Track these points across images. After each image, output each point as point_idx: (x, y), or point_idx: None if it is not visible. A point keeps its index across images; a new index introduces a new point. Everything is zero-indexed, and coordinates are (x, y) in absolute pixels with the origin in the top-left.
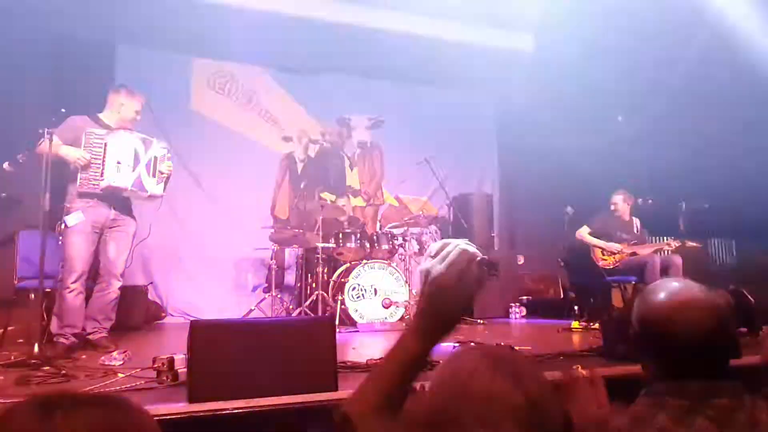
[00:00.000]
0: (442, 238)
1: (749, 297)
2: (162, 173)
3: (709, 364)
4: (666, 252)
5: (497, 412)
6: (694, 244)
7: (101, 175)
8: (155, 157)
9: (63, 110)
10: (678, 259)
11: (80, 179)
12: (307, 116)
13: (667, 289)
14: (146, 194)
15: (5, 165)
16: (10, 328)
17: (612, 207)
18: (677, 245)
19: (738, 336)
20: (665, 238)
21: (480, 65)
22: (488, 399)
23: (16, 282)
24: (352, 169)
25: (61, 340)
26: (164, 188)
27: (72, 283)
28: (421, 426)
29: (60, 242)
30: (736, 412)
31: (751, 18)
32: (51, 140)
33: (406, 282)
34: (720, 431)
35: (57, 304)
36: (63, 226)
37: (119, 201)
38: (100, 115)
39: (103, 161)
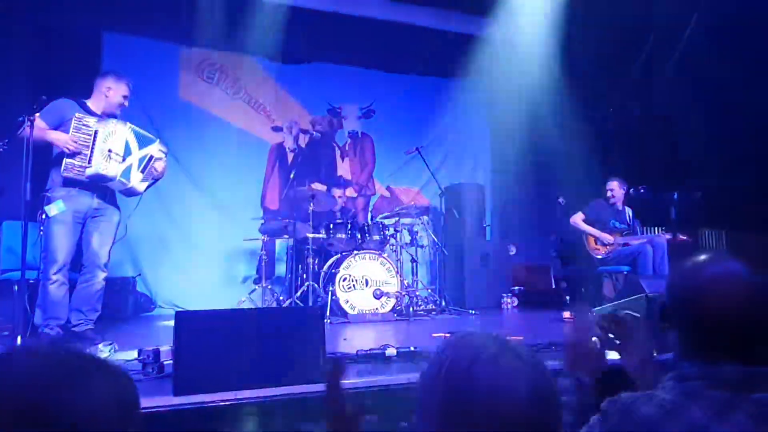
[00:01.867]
0: (434, 229)
1: None
2: (155, 170)
3: (747, 345)
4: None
5: (504, 400)
6: (684, 238)
7: (89, 162)
8: (152, 156)
9: (44, 97)
10: (662, 239)
11: (65, 164)
12: (297, 106)
13: (705, 259)
14: (128, 185)
15: None
16: None
17: (609, 193)
18: (668, 237)
19: None
20: (657, 228)
21: (471, 54)
22: (495, 386)
23: None
24: (343, 160)
25: (46, 330)
26: (147, 187)
27: (54, 274)
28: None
29: (41, 232)
30: None
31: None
32: (32, 127)
33: (397, 272)
34: (761, 428)
35: (40, 295)
36: (44, 215)
37: (102, 190)
38: (88, 101)
39: (92, 148)
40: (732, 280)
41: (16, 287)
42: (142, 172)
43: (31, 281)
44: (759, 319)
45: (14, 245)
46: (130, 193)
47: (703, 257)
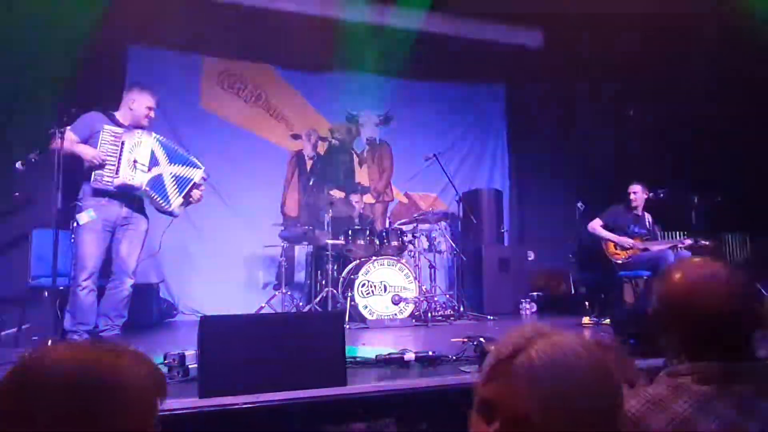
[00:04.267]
0: (452, 235)
1: (763, 291)
2: (191, 198)
3: (731, 341)
4: (676, 249)
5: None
6: (707, 243)
7: (116, 173)
8: (194, 182)
9: (74, 110)
10: (688, 254)
11: (95, 176)
12: (316, 114)
13: (688, 263)
14: (170, 208)
15: (18, 164)
16: (24, 326)
17: (631, 196)
18: (690, 243)
19: (761, 313)
20: (677, 233)
21: (490, 61)
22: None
23: (29, 280)
24: (361, 166)
25: (75, 336)
26: (183, 209)
27: (84, 280)
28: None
29: (72, 240)
30: (759, 399)
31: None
32: (63, 139)
33: (416, 278)
34: (743, 420)
35: (70, 301)
36: (75, 224)
37: (131, 199)
38: (116, 114)
39: (119, 159)
40: (715, 278)
41: (46, 293)
42: (183, 197)
43: (61, 288)
44: (741, 312)
45: (44, 253)
46: (167, 212)
47: (686, 261)
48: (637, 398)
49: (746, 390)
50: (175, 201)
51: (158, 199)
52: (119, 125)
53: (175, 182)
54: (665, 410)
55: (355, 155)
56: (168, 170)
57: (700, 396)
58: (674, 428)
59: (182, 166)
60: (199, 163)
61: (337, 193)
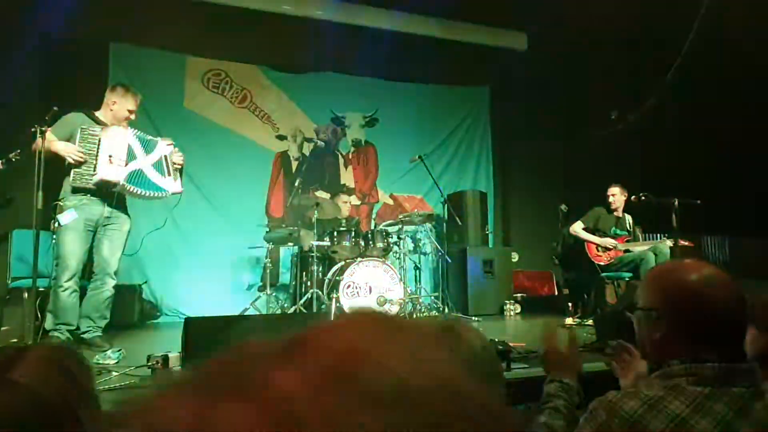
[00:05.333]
0: (437, 236)
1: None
2: (176, 164)
3: (728, 342)
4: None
5: None
6: (687, 244)
7: (94, 169)
8: (165, 156)
9: (55, 108)
10: (666, 248)
11: (74, 174)
12: (301, 115)
13: (688, 264)
14: (168, 194)
15: None
16: (3, 328)
17: (610, 199)
18: (670, 244)
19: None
20: (658, 235)
21: (475, 62)
22: None
23: (9, 282)
24: (346, 168)
25: (56, 335)
26: (181, 181)
27: (66, 281)
28: None
29: (53, 240)
30: (754, 399)
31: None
32: (44, 137)
33: (401, 280)
34: (738, 420)
35: (51, 301)
36: (56, 224)
37: (114, 198)
38: (97, 113)
39: (97, 156)
40: (721, 280)
41: (26, 295)
42: (170, 175)
43: (42, 289)
44: (740, 315)
45: (25, 254)
46: (174, 194)
47: (687, 262)
48: (634, 399)
49: (741, 391)
50: (167, 183)
51: (151, 193)
52: (99, 123)
53: (155, 170)
54: (662, 411)
55: (340, 156)
56: (146, 162)
57: (696, 396)
58: (672, 429)
59: (154, 151)
60: (154, 138)
61: (322, 195)
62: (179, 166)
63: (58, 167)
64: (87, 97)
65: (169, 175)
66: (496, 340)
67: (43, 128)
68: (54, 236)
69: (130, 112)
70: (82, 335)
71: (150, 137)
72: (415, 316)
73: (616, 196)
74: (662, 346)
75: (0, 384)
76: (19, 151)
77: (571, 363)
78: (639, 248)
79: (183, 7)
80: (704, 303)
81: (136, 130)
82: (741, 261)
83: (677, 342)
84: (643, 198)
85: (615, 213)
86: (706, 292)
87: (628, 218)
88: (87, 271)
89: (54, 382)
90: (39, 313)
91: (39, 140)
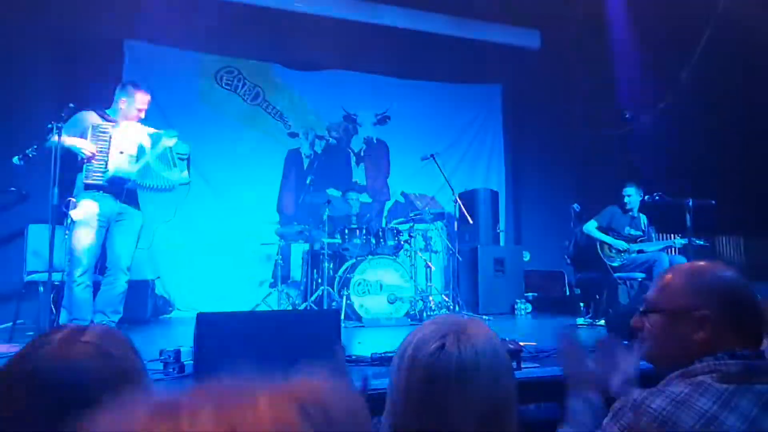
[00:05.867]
0: (448, 234)
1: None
2: (182, 160)
3: (756, 341)
4: (671, 251)
5: None
6: (701, 243)
7: (106, 166)
8: (170, 148)
9: (71, 105)
10: (683, 260)
11: (86, 171)
12: (313, 112)
13: (719, 265)
14: (174, 186)
15: (15, 159)
16: (19, 322)
17: (626, 198)
18: (684, 244)
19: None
20: (672, 235)
21: (487, 61)
22: None
23: (25, 275)
24: (358, 165)
25: None
26: (189, 172)
27: (79, 276)
28: None
29: (67, 236)
30: None
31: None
32: (60, 134)
33: (411, 278)
34: (764, 415)
35: (65, 297)
36: (69, 219)
37: (126, 193)
38: (108, 111)
39: (109, 153)
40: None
41: (41, 288)
42: (175, 166)
43: (57, 283)
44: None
45: (40, 248)
46: (182, 186)
47: (710, 263)
48: (661, 398)
49: (764, 388)
50: (173, 175)
51: (158, 185)
52: (109, 121)
53: (161, 162)
54: (691, 408)
55: (352, 154)
56: (152, 156)
57: (721, 394)
58: (701, 427)
59: (158, 144)
60: (158, 131)
61: (333, 192)
62: (185, 157)
63: (72, 163)
64: (102, 94)
65: (175, 166)
66: (507, 339)
67: (60, 125)
68: (67, 232)
69: (140, 110)
70: None
71: (155, 130)
72: (425, 314)
73: (632, 196)
74: (704, 346)
75: (78, 342)
76: (35, 147)
77: (595, 381)
78: (652, 249)
79: (196, 5)
80: (746, 301)
81: (147, 127)
82: (756, 262)
83: (722, 339)
84: (657, 198)
85: (630, 213)
86: (745, 291)
87: (643, 218)
88: (100, 267)
89: (116, 347)
90: (54, 307)
91: (55, 136)
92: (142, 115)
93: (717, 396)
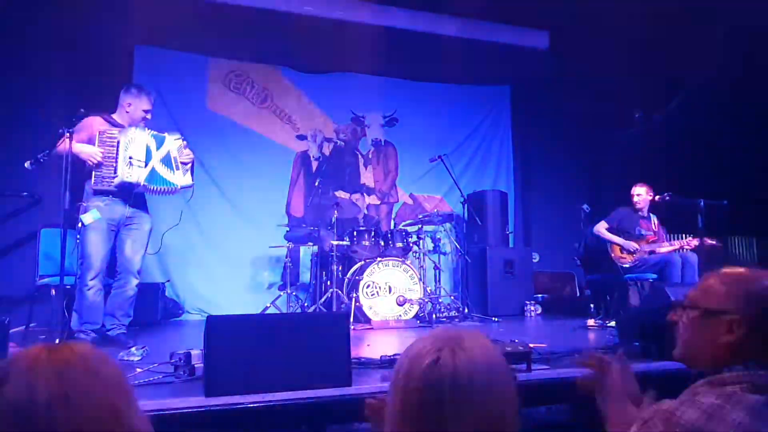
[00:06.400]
0: (457, 236)
1: None
2: (185, 164)
3: None
4: (682, 250)
5: None
6: (713, 242)
7: (114, 172)
8: (169, 152)
9: (82, 110)
10: (694, 257)
11: (95, 177)
12: (321, 114)
13: (764, 272)
14: (178, 188)
15: (27, 164)
16: (31, 325)
17: (635, 198)
18: (696, 243)
19: None
20: (684, 235)
21: (496, 62)
22: None
23: (37, 279)
24: (366, 167)
25: (82, 336)
26: (192, 176)
27: (90, 280)
28: None
29: (77, 240)
30: None
31: None
32: (71, 139)
33: (420, 279)
34: None
35: (77, 301)
36: (80, 224)
37: (134, 198)
38: (114, 115)
39: (116, 159)
40: None
41: (53, 292)
42: (177, 169)
43: (69, 287)
44: None
45: (52, 252)
46: (184, 190)
47: (758, 270)
48: (693, 408)
49: None
50: (176, 178)
51: (161, 188)
52: (116, 126)
53: (164, 165)
54: (723, 420)
55: (360, 156)
56: (157, 159)
57: (754, 405)
58: None
59: (162, 147)
60: (161, 134)
61: (342, 194)
62: (188, 162)
63: (80, 169)
64: (113, 99)
65: (177, 169)
66: (517, 341)
67: (71, 130)
68: (78, 236)
69: (146, 111)
70: (107, 332)
71: (159, 133)
72: (434, 316)
73: (642, 196)
74: (732, 351)
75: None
76: (47, 152)
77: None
78: (663, 249)
79: (205, 9)
80: None
81: (153, 131)
82: None
83: (752, 347)
84: (667, 198)
85: (640, 213)
86: None
87: (654, 218)
88: (111, 270)
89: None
90: (66, 311)
91: (66, 142)
92: (149, 116)
93: (750, 407)
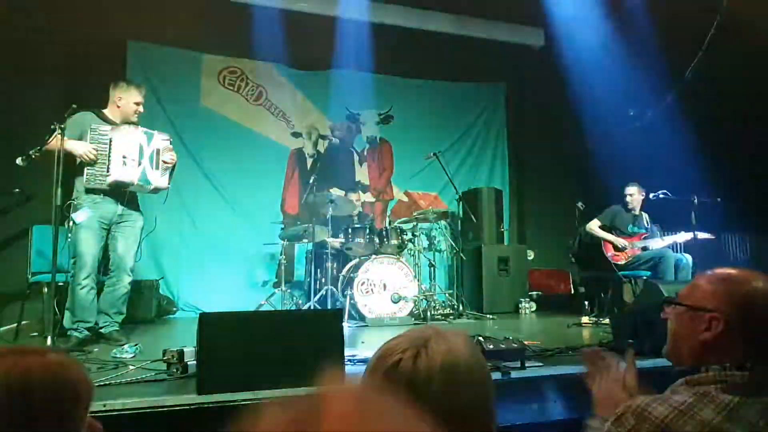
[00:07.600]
0: (452, 233)
1: None
2: (166, 163)
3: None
4: (676, 248)
5: None
6: (707, 236)
7: (107, 171)
8: (158, 149)
9: (74, 105)
10: (689, 258)
11: (87, 175)
12: (316, 112)
13: (756, 274)
14: (151, 187)
15: (18, 160)
16: (23, 323)
17: (627, 198)
18: (688, 238)
19: None
20: (677, 232)
21: (491, 59)
22: None
23: (29, 276)
24: (361, 165)
25: (74, 334)
26: (169, 179)
27: (83, 279)
28: None
29: (69, 239)
30: None
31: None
32: (63, 135)
33: (415, 277)
34: None
35: (69, 299)
36: (71, 222)
37: (126, 196)
38: (105, 111)
39: (109, 157)
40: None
41: (45, 289)
42: (157, 168)
43: (61, 284)
44: None
45: (44, 249)
46: (157, 190)
47: (748, 271)
48: (664, 405)
49: None
50: (154, 176)
51: (144, 184)
52: (107, 122)
53: (149, 161)
54: (693, 417)
55: (355, 153)
56: (146, 156)
57: (726, 404)
58: None
59: (150, 143)
60: (150, 131)
61: (337, 191)
62: (169, 165)
63: (71, 166)
64: (106, 95)
65: (157, 168)
66: (511, 337)
67: (63, 126)
68: (69, 234)
69: (137, 104)
70: (100, 330)
71: (149, 130)
72: (429, 313)
73: (634, 195)
74: (709, 349)
75: None
76: (39, 148)
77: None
78: (656, 245)
79: (199, 5)
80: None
81: (146, 129)
82: (762, 260)
83: (729, 346)
84: (661, 195)
85: (632, 211)
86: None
87: (645, 216)
88: (103, 268)
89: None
90: (57, 309)
91: (58, 138)
92: (141, 109)
93: (721, 407)
